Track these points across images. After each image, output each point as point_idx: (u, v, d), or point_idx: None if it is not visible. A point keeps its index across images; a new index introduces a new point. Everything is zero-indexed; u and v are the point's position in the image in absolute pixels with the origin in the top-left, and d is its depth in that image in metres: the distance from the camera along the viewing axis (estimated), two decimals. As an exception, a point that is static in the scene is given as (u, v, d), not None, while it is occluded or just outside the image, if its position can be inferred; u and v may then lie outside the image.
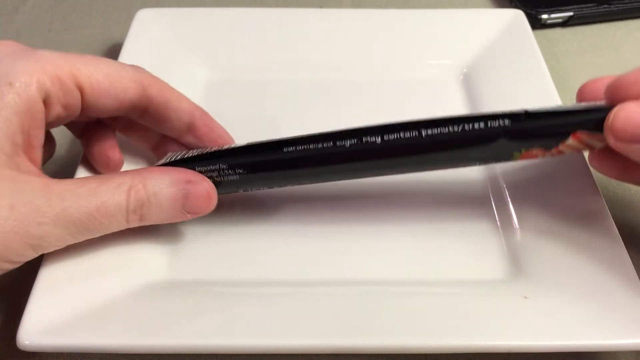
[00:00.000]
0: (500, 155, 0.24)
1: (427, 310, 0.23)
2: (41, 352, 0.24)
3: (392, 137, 0.23)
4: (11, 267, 0.21)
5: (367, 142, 0.23)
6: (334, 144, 0.24)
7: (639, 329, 0.22)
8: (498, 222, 0.28)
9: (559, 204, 0.27)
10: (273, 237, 0.27)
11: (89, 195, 0.21)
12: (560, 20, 0.41)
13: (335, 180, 0.25)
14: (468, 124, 0.23)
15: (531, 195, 0.28)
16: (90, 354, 0.24)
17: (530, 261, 0.26)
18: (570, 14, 0.41)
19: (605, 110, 0.22)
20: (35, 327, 0.21)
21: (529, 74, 0.33)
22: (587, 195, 0.26)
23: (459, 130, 0.23)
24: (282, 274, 0.26)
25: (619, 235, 0.25)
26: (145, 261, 0.26)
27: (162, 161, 0.26)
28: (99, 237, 0.25)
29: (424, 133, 0.23)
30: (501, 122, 0.23)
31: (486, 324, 0.23)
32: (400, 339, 0.22)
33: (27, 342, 0.21)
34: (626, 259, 0.24)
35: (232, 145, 0.25)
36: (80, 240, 0.22)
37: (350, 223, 0.28)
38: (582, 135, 0.23)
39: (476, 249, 0.27)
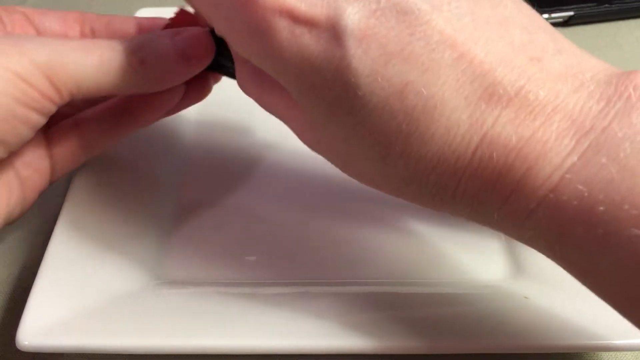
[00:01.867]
0: None
1: (426, 310, 0.23)
2: (41, 352, 0.24)
3: None
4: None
5: None
6: None
7: (639, 329, 0.22)
8: (498, 222, 0.28)
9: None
10: (272, 237, 0.27)
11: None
12: (560, 20, 0.41)
13: None
14: None
15: None
16: (90, 354, 0.24)
17: (530, 261, 0.26)
18: (571, 13, 0.41)
19: None
20: (35, 327, 0.21)
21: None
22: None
23: None
24: (281, 274, 0.26)
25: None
26: (144, 261, 0.26)
27: None
28: (98, 237, 0.25)
29: None
30: None
31: (486, 324, 0.23)
32: (400, 339, 0.22)
33: (27, 342, 0.21)
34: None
35: None
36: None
37: (350, 223, 0.28)
38: None
39: (476, 249, 0.27)
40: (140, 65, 0.22)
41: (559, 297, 0.24)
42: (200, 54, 0.23)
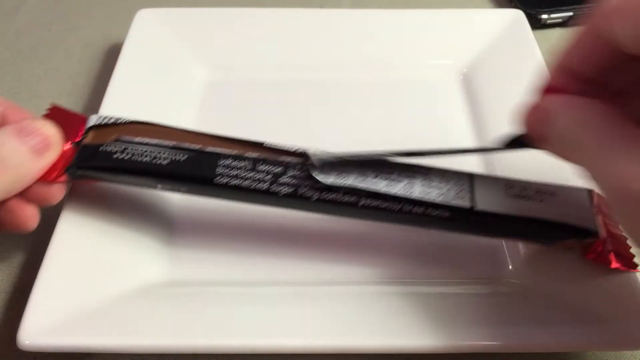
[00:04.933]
0: None
1: (426, 310, 0.23)
2: (41, 352, 0.24)
3: (328, 196, 0.23)
4: None
5: (301, 195, 0.23)
6: (268, 189, 0.23)
7: (638, 329, 0.22)
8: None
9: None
10: (273, 237, 0.27)
11: None
12: (560, 20, 0.41)
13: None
14: (408, 205, 0.23)
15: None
16: (90, 354, 0.24)
17: (530, 261, 0.26)
18: (570, 14, 0.41)
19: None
20: (35, 327, 0.21)
21: (529, 74, 0.33)
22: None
23: (397, 210, 0.23)
24: (281, 274, 0.26)
25: (618, 235, 0.25)
26: (145, 261, 0.26)
27: None
28: (98, 237, 0.25)
29: (360, 203, 0.23)
30: (441, 212, 0.23)
31: (486, 323, 0.23)
32: (400, 339, 0.22)
33: (27, 342, 0.21)
34: (626, 259, 0.24)
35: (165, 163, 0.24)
36: None
37: (351, 223, 0.28)
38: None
39: (476, 249, 0.27)
40: None
41: (558, 297, 0.24)
42: (47, 144, 0.23)
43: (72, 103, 0.35)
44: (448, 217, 0.23)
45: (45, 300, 0.22)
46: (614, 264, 0.23)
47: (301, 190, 0.23)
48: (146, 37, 0.34)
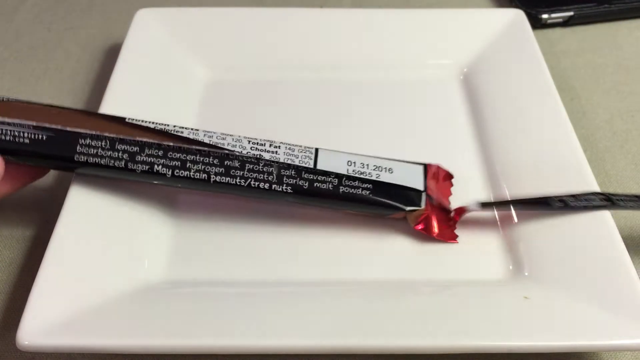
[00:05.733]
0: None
1: (427, 310, 0.23)
2: (41, 352, 0.24)
3: (182, 173, 0.25)
4: None
5: (157, 171, 0.25)
6: (126, 166, 0.25)
7: (639, 329, 0.22)
8: (498, 222, 0.28)
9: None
10: (273, 237, 0.27)
11: None
12: (560, 20, 0.41)
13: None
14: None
15: (531, 195, 0.28)
16: (90, 354, 0.24)
17: (530, 261, 0.26)
18: (571, 13, 0.41)
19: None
20: (35, 327, 0.21)
21: (529, 74, 0.33)
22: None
23: (244, 184, 0.25)
24: (282, 274, 0.26)
25: (619, 235, 0.25)
26: (145, 261, 0.26)
27: None
28: (98, 237, 0.25)
29: (212, 179, 0.25)
30: (289, 172, 0.25)
31: (486, 324, 0.22)
32: (400, 339, 0.22)
33: (27, 342, 0.21)
34: (626, 259, 0.24)
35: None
36: None
37: (351, 223, 0.28)
38: None
39: (476, 249, 0.27)
40: None
41: (558, 297, 0.24)
42: None
43: (71, 103, 0.35)
44: (293, 175, 0.25)
45: (44, 301, 0.22)
46: (435, 234, 0.27)
47: (157, 168, 0.25)
48: (146, 36, 0.34)
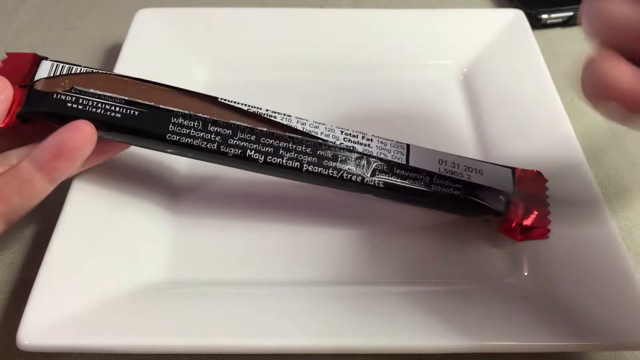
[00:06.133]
0: None
1: (427, 311, 0.23)
2: (41, 352, 0.24)
3: (274, 160, 0.24)
4: None
5: (249, 156, 0.24)
6: (218, 148, 0.24)
7: (639, 329, 0.22)
8: (498, 222, 0.28)
9: (559, 204, 0.27)
10: (273, 237, 0.27)
11: None
12: (560, 20, 0.41)
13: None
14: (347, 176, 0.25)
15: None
16: (90, 354, 0.24)
17: (530, 261, 0.26)
18: (570, 13, 0.41)
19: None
20: (35, 327, 0.21)
21: (529, 74, 0.33)
22: (587, 194, 0.26)
23: (337, 176, 0.25)
24: (282, 274, 0.26)
25: (618, 235, 0.25)
26: (145, 261, 0.26)
27: None
28: (98, 237, 0.25)
29: (304, 168, 0.24)
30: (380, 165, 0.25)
31: (486, 324, 0.23)
32: (400, 339, 0.22)
33: (27, 342, 0.21)
34: (626, 259, 0.24)
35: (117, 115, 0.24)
36: None
37: (350, 223, 0.28)
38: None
39: (476, 249, 0.27)
40: None
41: (558, 297, 0.24)
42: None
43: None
44: (385, 170, 0.25)
45: (44, 301, 0.22)
46: (520, 238, 0.26)
47: (249, 153, 0.24)
48: (146, 37, 0.34)
